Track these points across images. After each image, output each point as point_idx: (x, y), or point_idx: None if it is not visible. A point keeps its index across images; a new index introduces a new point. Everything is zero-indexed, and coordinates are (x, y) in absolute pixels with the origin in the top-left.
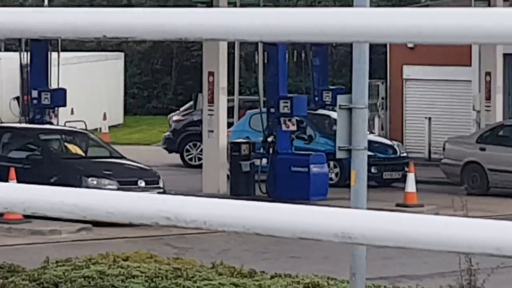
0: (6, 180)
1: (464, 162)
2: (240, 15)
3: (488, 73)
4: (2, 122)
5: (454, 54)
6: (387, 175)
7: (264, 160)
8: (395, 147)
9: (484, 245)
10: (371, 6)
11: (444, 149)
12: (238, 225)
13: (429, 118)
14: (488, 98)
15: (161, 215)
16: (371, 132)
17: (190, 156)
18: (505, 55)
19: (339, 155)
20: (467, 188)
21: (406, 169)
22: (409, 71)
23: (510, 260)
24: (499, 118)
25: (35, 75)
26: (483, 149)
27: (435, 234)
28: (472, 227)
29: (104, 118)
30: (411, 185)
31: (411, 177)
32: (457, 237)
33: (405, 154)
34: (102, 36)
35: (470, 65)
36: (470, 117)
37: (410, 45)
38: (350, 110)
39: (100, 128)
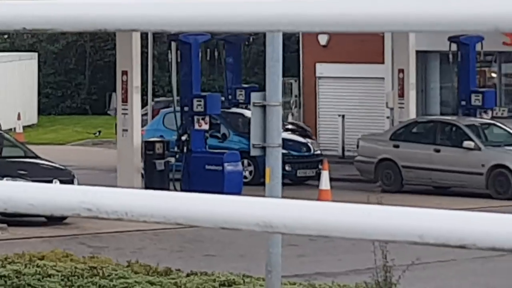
0: None
1: (378, 159)
2: (158, 6)
3: (401, 70)
4: None
5: (367, 51)
6: (301, 173)
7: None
8: (309, 145)
9: (407, 233)
10: None
11: (357, 146)
12: (159, 216)
13: (343, 116)
14: (401, 95)
15: (82, 206)
16: (288, 130)
17: None
18: (417, 52)
19: (253, 152)
20: (381, 185)
21: (320, 166)
22: (322, 69)
23: (424, 257)
24: (412, 115)
25: None
26: (396, 146)
27: (358, 223)
28: (394, 215)
29: (18, 118)
30: (325, 183)
31: (325, 175)
32: (380, 225)
33: (319, 152)
34: (21, 28)
35: (383, 62)
36: (384, 114)
37: (323, 43)
38: (264, 107)
39: (15, 128)
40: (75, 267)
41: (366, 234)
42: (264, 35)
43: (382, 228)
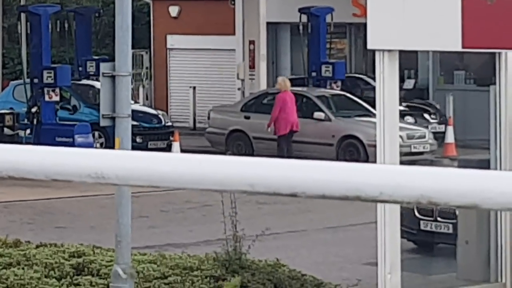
0: None
1: (229, 131)
2: None
3: (251, 42)
4: None
5: (218, 23)
6: (152, 145)
7: (28, 131)
8: (160, 116)
9: (238, 182)
10: None
11: (208, 118)
12: None
13: (194, 88)
14: (252, 66)
15: None
16: (136, 102)
17: None
18: (268, 23)
19: (103, 123)
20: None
21: (171, 138)
22: (173, 40)
23: (275, 227)
24: (263, 86)
25: None
26: (247, 118)
27: (189, 173)
28: (225, 164)
29: None
30: None
31: (176, 146)
32: (210, 175)
33: (170, 124)
34: None
35: (234, 34)
36: (235, 86)
37: (173, 15)
38: (113, 77)
39: None
40: None
41: (197, 184)
42: (114, 6)
43: (213, 177)
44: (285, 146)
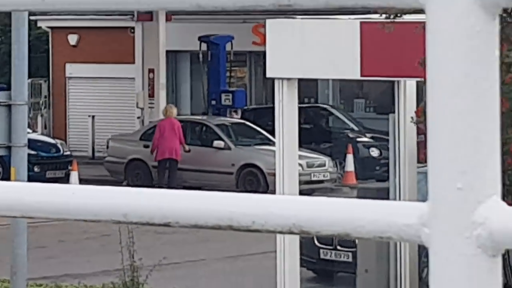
0: None
1: (128, 160)
2: None
3: (151, 70)
4: None
5: (118, 51)
6: (50, 174)
7: None
8: (58, 145)
9: (111, 212)
10: None
11: (107, 147)
12: None
13: (93, 116)
14: (151, 95)
15: None
16: (34, 131)
17: None
18: (168, 51)
19: None
20: (130, 185)
21: (70, 167)
22: (72, 69)
23: (173, 257)
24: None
25: None
26: (147, 146)
27: (62, 202)
28: (99, 194)
29: None
30: (74, 183)
31: (74, 176)
32: (84, 204)
33: (68, 153)
34: None
35: (133, 62)
36: (134, 115)
37: (72, 43)
38: (9, 106)
39: None
40: None
41: (70, 214)
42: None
43: (86, 207)
44: (163, 172)
